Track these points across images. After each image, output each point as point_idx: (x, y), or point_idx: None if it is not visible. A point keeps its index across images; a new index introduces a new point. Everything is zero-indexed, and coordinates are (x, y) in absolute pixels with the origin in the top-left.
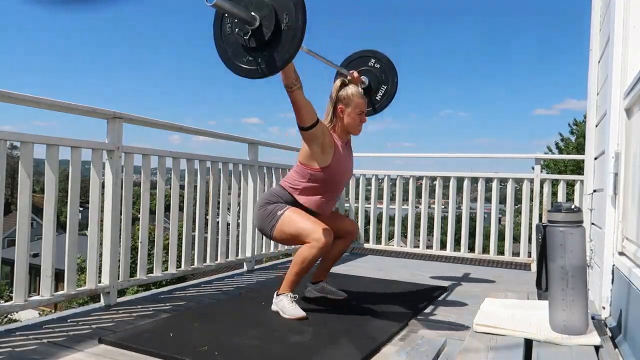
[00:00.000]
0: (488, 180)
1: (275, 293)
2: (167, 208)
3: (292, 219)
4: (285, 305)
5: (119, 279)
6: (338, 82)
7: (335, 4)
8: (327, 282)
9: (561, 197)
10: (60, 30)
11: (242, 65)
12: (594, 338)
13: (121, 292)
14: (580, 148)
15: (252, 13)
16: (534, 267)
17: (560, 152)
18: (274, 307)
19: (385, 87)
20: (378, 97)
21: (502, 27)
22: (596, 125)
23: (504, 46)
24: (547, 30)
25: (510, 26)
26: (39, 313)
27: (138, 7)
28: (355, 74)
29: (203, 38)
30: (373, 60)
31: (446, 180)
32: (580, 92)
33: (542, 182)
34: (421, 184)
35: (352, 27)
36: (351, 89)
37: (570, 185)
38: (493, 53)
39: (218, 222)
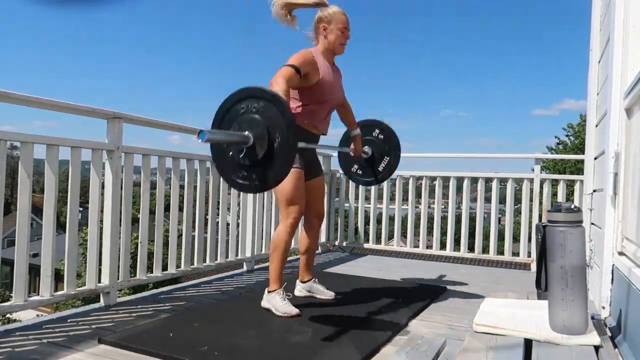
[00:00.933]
0: (488, 180)
1: (267, 290)
2: (167, 208)
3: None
4: (278, 303)
5: (118, 279)
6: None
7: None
8: (315, 280)
9: (561, 197)
10: (61, 30)
11: (238, 181)
12: (593, 338)
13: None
14: (577, 150)
15: (246, 132)
16: (533, 267)
17: (559, 154)
18: (265, 304)
19: (387, 159)
20: (380, 169)
21: (501, 27)
22: (596, 125)
23: (503, 46)
24: (546, 30)
25: (509, 26)
26: (37, 314)
27: (138, 8)
28: (356, 149)
29: (203, 38)
30: (377, 131)
31: (446, 180)
32: (578, 92)
33: (542, 182)
34: (421, 183)
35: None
36: (332, 8)
37: (570, 185)
38: (492, 53)
39: (218, 222)
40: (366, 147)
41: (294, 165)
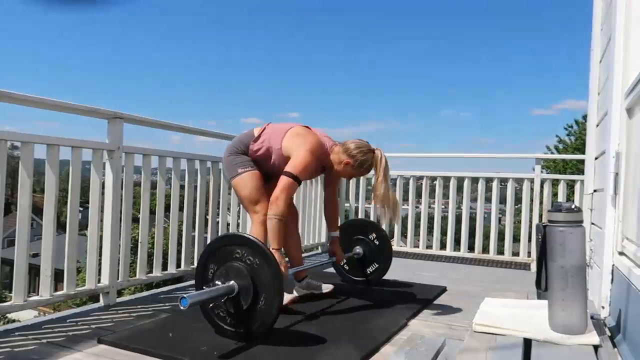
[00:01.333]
0: (488, 180)
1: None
2: (167, 208)
3: (245, 184)
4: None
5: (118, 279)
6: (371, 155)
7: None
8: (309, 277)
9: (561, 197)
10: (61, 29)
11: (215, 319)
12: (593, 338)
13: (120, 292)
14: (577, 150)
15: (232, 282)
16: (533, 266)
17: (560, 154)
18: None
19: (377, 265)
20: (369, 271)
21: (501, 27)
22: (597, 125)
23: (503, 46)
24: (546, 31)
25: (509, 26)
26: (36, 315)
27: (138, 7)
28: (337, 256)
29: (203, 38)
30: (374, 235)
31: (446, 180)
32: (578, 92)
33: (542, 182)
34: (421, 183)
35: (350, 23)
36: (366, 163)
37: (571, 185)
38: (492, 53)
39: (218, 222)
40: (358, 247)
41: (246, 169)
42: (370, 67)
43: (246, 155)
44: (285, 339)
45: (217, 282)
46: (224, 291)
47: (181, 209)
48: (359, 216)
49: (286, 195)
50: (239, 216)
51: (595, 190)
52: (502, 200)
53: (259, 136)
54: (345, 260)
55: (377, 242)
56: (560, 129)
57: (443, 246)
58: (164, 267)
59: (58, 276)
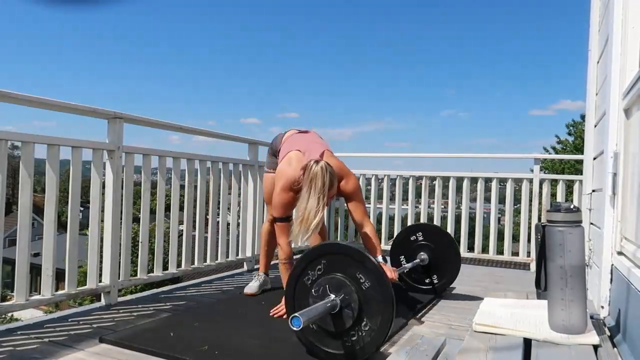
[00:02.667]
0: (487, 180)
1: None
2: (168, 208)
3: (265, 184)
4: None
5: (119, 279)
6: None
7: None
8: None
9: (560, 197)
10: (61, 29)
11: (308, 337)
12: (592, 337)
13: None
14: (578, 150)
15: (333, 296)
16: (533, 266)
17: (558, 154)
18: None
19: (443, 272)
20: (434, 279)
21: (500, 27)
22: (595, 126)
23: (502, 46)
24: (544, 31)
25: (509, 27)
26: (43, 313)
27: (138, 7)
28: (392, 275)
29: (203, 38)
30: (438, 240)
31: (446, 180)
32: (575, 92)
33: (541, 182)
34: (421, 183)
35: (350, 22)
36: (334, 189)
37: (569, 185)
38: (493, 53)
39: (218, 222)
40: (422, 253)
41: (269, 171)
42: (371, 67)
43: (275, 157)
44: (286, 339)
45: (314, 293)
46: (330, 308)
47: (181, 208)
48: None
49: (282, 240)
50: (239, 216)
51: (593, 191)
52: (501, 200)
53: (280, 148)
54: (407, 269)
55: (442, 248)
56: (558, 129)
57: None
58: (165, 266)
59: (59, 276)
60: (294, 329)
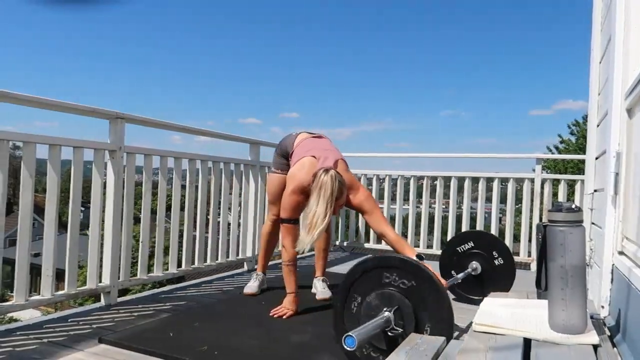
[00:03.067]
0: (489, 180)
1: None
2: (169, 208)
3: (270, 183)
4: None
5: (119, 279)
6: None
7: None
8: (319, 278)
9: (562, 196)
10: (61, 29)
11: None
12: (592, 337)
13: (121, 292)
14: (580, 150)
15: (385, 312)
16: (533, 266)
17: (561, 154)
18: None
19: (497, 283)
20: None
21: (500, 27)
22: (597, 125)
23: (501, 46)
24: (544, 31)
25: (508, 27)
26: (42, 314)
27: (138, 7)
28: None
29: (202, 38)
30: (495, 254)
31: (447, 180)
32: (576, 92)
33: (542, 182)
34: (422, 183)
35: (350, 23)
36: (342, 198)
37: (571, 185)
38: (492, 52)
39: (219, 222)
40: (474, 262)
41: (276, 172)
42: (370, 67)
43: (284, 158)
44: (286, 339)
45: (362, 314)
46: (384, 324)
47: (182, 208)
48: (360, 216)
49: (287, 242)
50: (240, 216)
51: (595, 190)
52: (503, 200)
53: (293, 151)
54: (459, 280)
55: (498, 257)
56: (560, 129)
57: (444, 246)
58: (165, 266)
59: (59, 276)
60: (347, 348)
